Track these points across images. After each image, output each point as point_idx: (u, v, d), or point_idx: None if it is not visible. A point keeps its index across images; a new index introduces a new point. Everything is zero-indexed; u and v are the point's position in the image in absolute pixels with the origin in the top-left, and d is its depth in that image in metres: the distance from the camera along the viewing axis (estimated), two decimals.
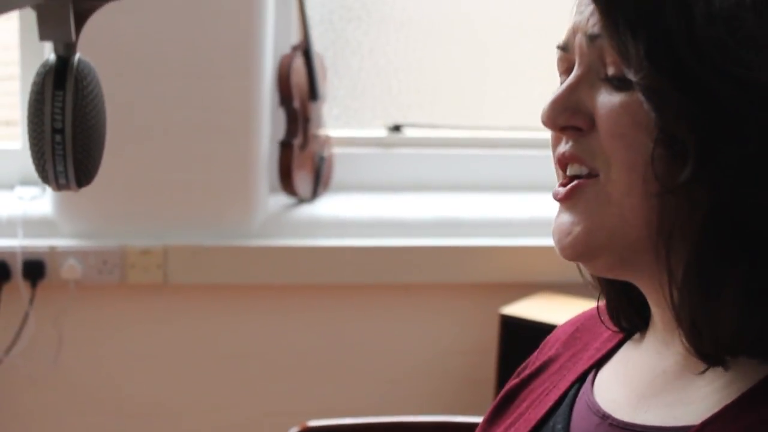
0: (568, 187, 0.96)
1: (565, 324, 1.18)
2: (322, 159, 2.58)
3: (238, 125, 2.40)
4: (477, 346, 2.53)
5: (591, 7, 0.95)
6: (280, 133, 2.53)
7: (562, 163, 0.97)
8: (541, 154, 2.71)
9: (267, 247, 2.45)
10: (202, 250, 2.41)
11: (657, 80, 0.88)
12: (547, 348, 1.17)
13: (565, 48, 0.98)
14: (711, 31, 0.87)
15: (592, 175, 0.95)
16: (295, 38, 2.57)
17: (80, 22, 0.82)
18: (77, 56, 0.83)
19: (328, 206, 2.58)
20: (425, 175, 2.71)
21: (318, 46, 2.59)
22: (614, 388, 1.03)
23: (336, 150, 2.66)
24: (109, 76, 2.30)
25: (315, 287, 2.50)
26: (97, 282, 2.39)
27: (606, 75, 0.94)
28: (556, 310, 2.34)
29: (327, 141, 2.62)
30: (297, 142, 2.52)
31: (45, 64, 0.82)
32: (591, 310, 1.15)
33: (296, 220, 2.52)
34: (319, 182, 2.59)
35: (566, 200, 0.96)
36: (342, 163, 2.67)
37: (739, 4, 0.87)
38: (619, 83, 0.92)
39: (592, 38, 0.94)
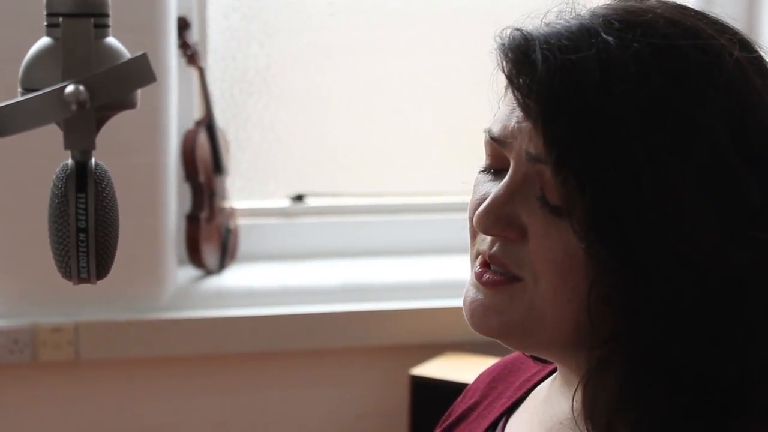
0: (496, 278, 0.95)
1: (484, 372, 1.21)
2: (228, 231, 2.62)
3: (145, 200, 2.41)
4: (389, 408, 2.56)
5: (527, 124, 0.92)
6: (187, 206, 2.56)
7: (488, 262, 0.96)
8: (441, 219, 2.78)
9: (177, 319, 2.46)
10: (113, 325, 2.41)
11: (599, 251, 0.87)
12: (469, 396, 1.20)
13: (498, 141, 0.96)
14: (657, 203, 0.86)
15: (517, 279, 0.94)
16: (197, 114, 2.61)
17: (98, 129, 0.88)
18: (93, 160, 0.89)
19: (236, 277, 2.61)
20: (329, 242, 2.76)
21: (220, 120, 2.63)
22: None
23: (241, 221, 2.69)
24: (22, 150, 2.27)
25: (226, 357, 2.51)
26: (8, 361, 2.37)
27: (543, 196, 0.92)
28: (464, 368, 2.38)
29: (232, 213, 2.66)
30: (203, 215, 2.56)
31: (64, 168, 0.89)
32: (506, 358, 1.19)
33: (205, 292, 2.54)
34: (226, 254, 2.62)
35: (489, 288, 0.95)
36: (247, 233, 2.70)
37: (684, 177, 0.86)
38: (554, 209, 0.91)
39: (532, 158, 0.92)
